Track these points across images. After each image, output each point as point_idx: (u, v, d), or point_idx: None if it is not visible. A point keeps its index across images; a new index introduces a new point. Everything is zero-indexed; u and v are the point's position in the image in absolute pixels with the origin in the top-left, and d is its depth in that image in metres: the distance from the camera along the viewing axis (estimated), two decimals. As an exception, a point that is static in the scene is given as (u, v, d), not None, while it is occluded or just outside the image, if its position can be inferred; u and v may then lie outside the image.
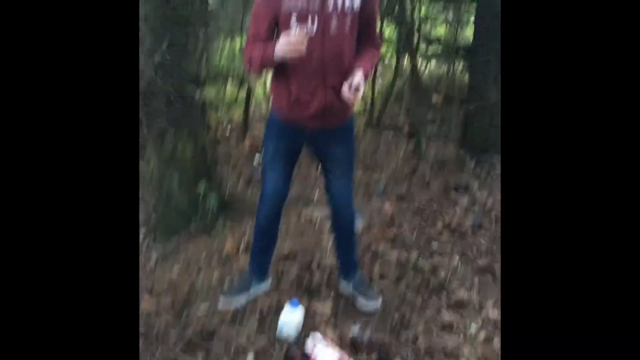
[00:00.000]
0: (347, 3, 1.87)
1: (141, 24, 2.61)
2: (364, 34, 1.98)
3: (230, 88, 5.07)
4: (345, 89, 1.86)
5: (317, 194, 3.43)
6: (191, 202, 2.96)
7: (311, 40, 1.82)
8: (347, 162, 2.16)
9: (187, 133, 2.87)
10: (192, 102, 2.82)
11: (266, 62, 1.91)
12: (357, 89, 1.85)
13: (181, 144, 2.87)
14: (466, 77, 4.50)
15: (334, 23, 1.87)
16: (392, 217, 3.14)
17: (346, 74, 1.93)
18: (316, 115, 1.99)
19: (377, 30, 2.03)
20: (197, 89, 2.83)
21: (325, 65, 1.91)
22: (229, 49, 5.04)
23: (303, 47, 1.79)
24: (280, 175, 2.17)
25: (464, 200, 3.35)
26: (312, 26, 1.85)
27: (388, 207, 3.26)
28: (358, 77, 1.87)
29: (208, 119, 3.11)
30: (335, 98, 1.96)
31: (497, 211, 3.20)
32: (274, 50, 1.84)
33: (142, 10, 2.59)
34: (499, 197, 3.39)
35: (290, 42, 1.79)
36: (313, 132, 2.06)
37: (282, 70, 1.97)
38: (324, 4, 1.85)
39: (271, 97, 2.15)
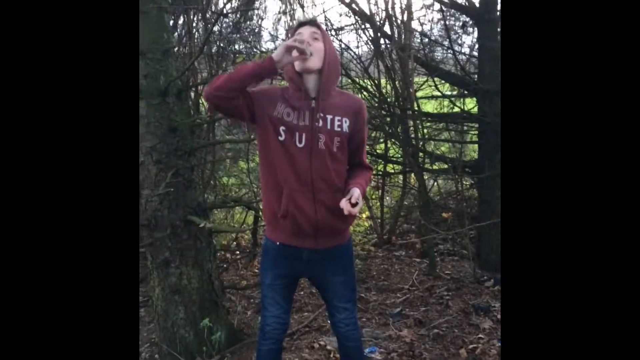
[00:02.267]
0: (337, 124, 1.90)
1: (146, 156, 2.63)
2: (355, 157, 2.00)
3: (237, 213, 5.06)
4: (343, 202, 1.80)
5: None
6: (197, 336, 2.79)
7: (299, 153, 1.85)
8: (348, 292, 2.07)
9: (193, 262, 2.78)
10: (197, 231, 2.76)
11: (257, 73, 1.81)
12: (356, 203, 1.79)
13: (186, 274, 2.77)
14: (475, 193, 4.48)
15: (322, 140, 1.88)
16: (412, 345, 2.92)
17: (337, 191, 1.91)
18: (307, 232, 1.92)
19: (365, 154, 2.07)
20: (203, 217, 2.78)
21: (314, 180, 1.88)
22: (238, 172, 5.10)
23: (308, 49, 1.83)
24: (281, 307, 2.06)
25: (486, 323, 3.14)
26: (300, 142, 1.87)
27: (406, 333, 3.06)
28: (357, 192, 1.83)
29: (214, 247, 3.03)
30: (326, 214, 1.91)
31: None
32: (268, 60, 1.79)
33: (148, 143, 2.62)
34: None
35: (293, 41, 1.82)
36: (310, 258, 1.97)
37: (271, 184, 1.93)
38: (313, 121, 1.87)
39: (266, 225, 2.08)
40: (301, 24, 1.93)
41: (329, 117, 1.89)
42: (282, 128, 1.86)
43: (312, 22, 1.93)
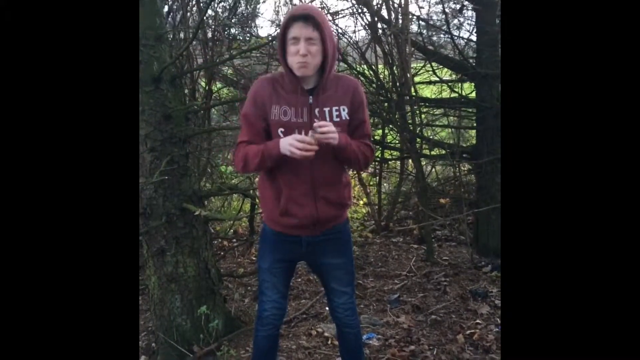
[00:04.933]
0: (335, 114, 1.86)
1: (141, 144, 2.60)
2: (356, 135, 1.93)
3: (235, 200, 5.03)
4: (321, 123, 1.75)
5: (328, 308, 3.24)
6: (194, 324, 2.78)
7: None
8: (347, 275, 2.07)
9: (189, 251, 2.76)
10: (193, 219, 2.74)
11: (266, 160, 1.83)
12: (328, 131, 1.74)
13: (183, 262, 2.76)
14: (473, 178, 4.46)
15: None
16: (409, 331, 2.92)
17: (338, 186, 1.93)
18: (307, 225, 1.93)
19: (369, 132, 1.99)
20: (199, 205, 2.76)
21: (314, 177, 1.87)
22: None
23: (314, 150, 1.74)
24: (279, 293, 2.06)
25: (484, 309, 3.14)
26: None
27: (404, 319, 3.05)
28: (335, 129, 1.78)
29: (211, 234, 3.01)
30: (326, 208, 1.92)
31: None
32: (275, 148, 1.79)
33: (142, 130, 2.59)
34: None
35: (299, 141, 1.72)
36: (309, 242, 1.97)
37: (271, 180, 1.92)
38: (311, 117, 1.83)
39: (263, 213, 2.07)
40: (294, 18, 1.76)
41: (327, 109, 1.85)
42: (280, 129, 1.84)
43: (307, 18, 1.75)
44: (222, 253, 4.30)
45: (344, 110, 1.87)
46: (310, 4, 1.94)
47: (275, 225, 1.98)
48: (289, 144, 1.74)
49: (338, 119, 1.86)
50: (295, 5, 3.99)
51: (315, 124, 1.74)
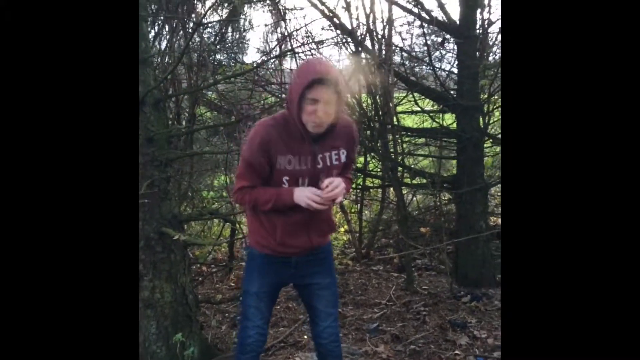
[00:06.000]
0: (334, 158, 1.91)
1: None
2: (344, 172, 2.01)
3: (215, 225, 4.99)
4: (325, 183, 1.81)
5: (307, 336, 3.20)
6: (170, 351, 2.72)
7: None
8: (332, 296, 2.09)
9: (166, 276, 2.72)
10: (172, 244, 2.70)
11: (278, 207, 1.87)
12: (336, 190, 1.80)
13: (159, 288, 2.71)
14: (453, 208, 4.49)
15: (322, 178, 1.87)
16: (388, 361, 2.90)
17: (329, 213, 2.00)
18: (300, 253, 1.98)
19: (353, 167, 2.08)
20: (178, 230, 2.73)
21: (312, 215, 1.90)
22: (218, 186, 5.05)
23: (329, 204, 1.84)
24: (263, 318, 2.06)
25: (463, 339, 3.13)
26: (304, 184, 1.87)
27: (383, 349, 3.03)
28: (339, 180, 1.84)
29: (189, 259, 2.98)
30: (319, 238, 1.99)
31: (499, 351, 2.98)
32: (289, 197, 1.83)
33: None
34: (499, 334, 3.20)
35: (318, 196, 1.79)
36: (298, 262, 2.00)
37: (264, 217, 1.95)
38: (314, 163, 1.87)
39: (251, 239, 2.07)
40: (318, 81, 1.72)
41: (328, 154, 1.90)
42: (285, 178, 1.87)
43: (332, 84, 1.74)
44: (200, 279, 4.24)
45: (343, 153, 1.93)
46: (327, 61, 1.91)
47: (264, 249, 1.99)
48: (307, 197, 1.80)
49: (337, 162, 1.92)
50: (302, 55, 4.05)
51: (324, 184, 1.80)
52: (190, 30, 3.75)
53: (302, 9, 5.49)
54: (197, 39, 4.05)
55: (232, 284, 4.22)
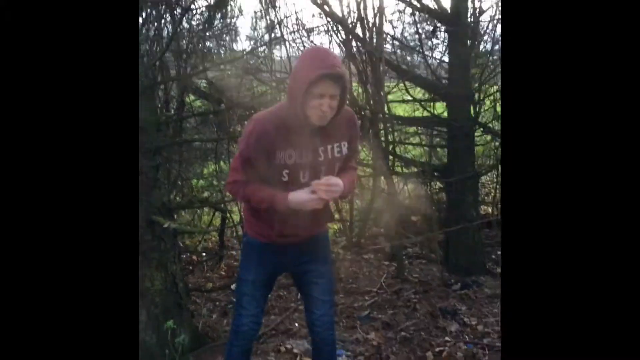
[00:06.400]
0: (336, 151, 1.88)
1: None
2: (347, 164, 1.99)
3: (205, 214, 4.96)
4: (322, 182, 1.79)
5: (298, 324, 3.20)
6: (160, 339, 2.71)
7: (301, 186, 1.82)
8: (328, 283, 2.09)
9: (156, 264, 2.70)
10: (162, 232, 2.69)
11: (272, 208, 1.85)
12: (332, 189, 1.79)
13: (149, 276, 2.69)
14: (444, 196, 4.50)
15: (323, 171, 1.86)
16: (379, 348, 2.90)
17: (328, 211, 2.06)
18: (298, 242, 1.98)
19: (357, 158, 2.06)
20: (168, 218, 2.71)
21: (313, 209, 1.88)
22: (207, 174, 5.02)
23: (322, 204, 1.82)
24: (259, 307, 2.06)
25: (453, 326, 3.15)
26: (304, 178, 1.84)
27: (373, 336, 3.04)
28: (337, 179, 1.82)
29: (180, 248, 2.96)
30: (319, 227, 2.03)
31: (489, 338, 3.00)
32: (283, 203, 1.80)
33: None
34: (490, 320, 3.22)
35: (311, 199, 1.78)
36: (296, 248, 2.00)
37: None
38: (315, 156, 1.84)
39: (248, 227, 2.06)
40: (326, 76, 1.68)
41: (329, 146, 1.86)
42: (285, 172, 1.83)
43: (340, 79, 1.71)
44: (190, 268, 4.22)
45: (344, 145, 1.90)
46: (335, 55, 1.86)
47: (261, 237, 1.99)
48: (305, 202, 1.78)
49: (339, 154, 1.89)
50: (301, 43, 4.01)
51: (321, 182, 1.77)
52: (177, 16, 3.70)
53: (294, 4, 5.44)
54: (186, 26, 4.01)
55: (223, 273, 4.21)
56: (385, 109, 4.28)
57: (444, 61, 4.54)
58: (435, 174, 4.40)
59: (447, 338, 3.01)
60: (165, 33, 3.92)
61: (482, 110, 4.53)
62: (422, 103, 4.65)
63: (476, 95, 4.25)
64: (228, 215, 4.26)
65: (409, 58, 4.85)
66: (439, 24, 4.42)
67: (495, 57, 4.43)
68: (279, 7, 4.36)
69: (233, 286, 3.77)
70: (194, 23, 4.19)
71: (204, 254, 4.61)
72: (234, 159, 1.92)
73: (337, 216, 5.14)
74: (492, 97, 4.64)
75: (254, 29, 4.97)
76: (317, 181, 1.78)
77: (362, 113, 4.20)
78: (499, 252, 4.30)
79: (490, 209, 5.12)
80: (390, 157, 4.41)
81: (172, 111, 4.02)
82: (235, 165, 1.91)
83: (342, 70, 1.74)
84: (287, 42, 4.24)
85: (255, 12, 4.58)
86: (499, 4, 4.24)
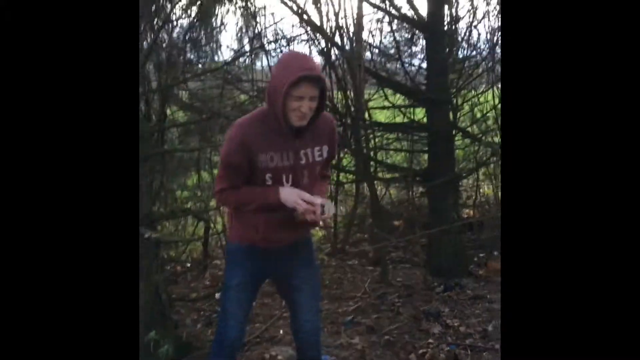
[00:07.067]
0: (317, 154, 1.90)
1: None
2: (323, 168, 2.02)
3: (189, 225, 4.96)
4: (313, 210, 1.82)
5: (282, 331, 3.22)
6: (143, 350, 2.71)
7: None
8: (314, 288, 2.09)
9: (139, 274, 2.71)
10: (144, 242, 2.69)
11: (263, 206, 1.87)
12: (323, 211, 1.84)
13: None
14: (425, 201, 4.56)
15: (305, 174, 1.89)
16: (363, 352, 2.93)
17: None
18: (282, 246, 1.98)
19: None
20: (151, 228, 2.72)
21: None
22: (191, 184, 5.02)
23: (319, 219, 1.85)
24: (244, 313, 2.05)
25: (436, 328, 3.18)
26: (288, 182, 1.86)
27: (357, 341, 3.07)
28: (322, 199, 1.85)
29: (163, 259, 2.97)
30: (303, 230, 2.01)
31: (471, 339, 3.04)
32: (274, 197, 1.82)
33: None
34: (472, 321, 3.27)
35: (303, 202, 1.80)
36: (279, 252, 1.99)
37: (248, 213, 1.93)
38: (297, 159, 1.86)
39: (231, 231, 2.09)
40: (305, 78, 1.71)
41: (309, 150, 1.89)
42: (267, 175, 1.85)
43: (318, 80, 1.75)
44: (174, 278, 4.22)
45: (325, 149, 1.92)
46: (312, 58, 1.90)
47: (245, 240, 1.99)
48: (295, 201, 1.80)
49: (320, 158, 1.91)
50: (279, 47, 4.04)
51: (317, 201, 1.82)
52: (156, 28, 3.72)
53: (272, 14, 5.49)
54: (166, 38, 4.03)
55: (208, 282, 4.21)
56: (366, 115, 4.34)
57: (422, 68, 4.62)
58: (417, 178, 4.46)
59: (430, 340, 3.04)
60: (144, 45, 3.94)
61: (461, 114, 4.61)
62: (402, 109, 4.71)
63: (454, 100, 4.33)
64: (211, 224, 4.27)
65: (388, 65, 4.91)
66: (416, 32, 4.50)
67: (471, 63, 4.52)
68: (259, 19, 4.40)
69: (217, 295, 3.78)
70: (174, 35, 4.22)
71: (188, 264, 4.61)
72: (219, 168, 1.94)
73: (320, 223, 5.17)
74: (470, 102, 4.72)
75: (235, 39, 5.01)
76: (307, 205, 1.82)
77: (343, 120, 4.25)
78: (481, 255, 4.36)
79: (471, 212, 5.19)
80: (372, 162, 4.46)
81: (154, 122, 4.03)
82: (220, 174, 1.92)
83: (319, 72, 1.79)
84: (268, 52, 4.29)
85: (236, 24, 4.61)
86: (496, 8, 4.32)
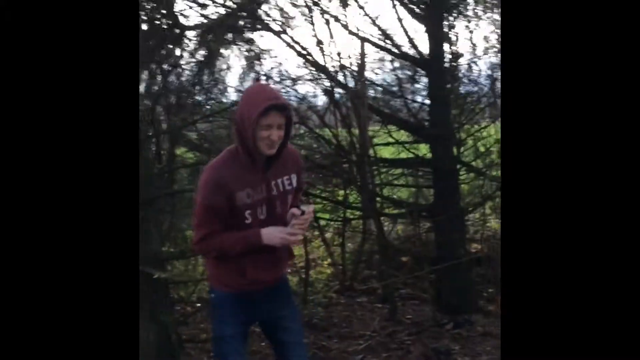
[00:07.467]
0: (287, 184, 1.96)
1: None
2: (294, 200, 2.06)
3: (199, 264, 4.97)
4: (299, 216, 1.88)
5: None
6: (153, 393, 2.71)
7: (262, 224, 1.89)
8: (297, 324, 2.11)
9: (149, 315, 2.73)
10: (154, 283, 2.72)
11: (246, 250, 1.89)
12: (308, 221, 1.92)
13: (142, 327, 2.71)
14: (432, 236, 4.56)
15: (278, 204, 1.94)
16: (374, 392, 2.90)
17: (290, 249, 2.08)
18: (268, 287, 2.00)
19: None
20: (160, 269, 2.75)
21: (277, 247, 1.93)
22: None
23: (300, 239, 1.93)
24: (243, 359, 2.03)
25: (447, 366, 3.15)
26: (262, 214, 1.91)
27: (368, 381, 3.04)
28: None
29: (172, 299, 2.98)
30: (283, 268, 2.07)
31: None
32: (256, 239, 1.86)
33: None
34: (483, 358, 3.23)
35: (289, 235, 1.86)
36: (263, 296, 1.99)
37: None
38: (269, 190, 1.91)
39: (214, 279, 2.05)
40: (273, 107, 1.79)
41: (279, 180, 1.94)
42: (247, 212, 1.89)
43: (284, 108, 1.84)
44: (183, 319, 4.20)
45: (293, 178, 1.98)
46: (276, 89, 2.01)
47: (230, 289, 1.98)
48: (280, 237, 1.86)
49: (290, 187, 1.97)
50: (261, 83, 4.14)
51: (299, 220, 1.88)
52: (166, 71, 3.84)
53: (276, 56, 5.62)
54: (175, 81, 4.14)
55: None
56: (371, 152, 4.40)
57: (425, 104, 4.69)
58: (423, 213, 4.47)
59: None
60: (155, 89, 4.05)
61: (464, 149, 4.65)
62: (406, 145, 4.77)
63: (458, 135, 4.38)
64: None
65: (391, 102, 5.00)
66: (418, 69, 4.60)
67: (473, 98, 4.59)
68: (265, 59, 4.51)
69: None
70: (183, 79, 4.34)
71: (198, 304, 4.60)
72: (196, 216, 1.91)
73: (329, 260, 5.17)
74: (473, 137, 4.78)
75: (242, 81, 5.13)
76: (296, 219, 1.87)
77: (348, 157, 4.31)
78: (490, 290, 4.33)
79: (479, 246, 5.17)
80: (378, 199, 4.49)
81: (164, 163, 4.11)
82: (198, 221, 1.90)
83: (284, 100, 1.88)
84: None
85: (242, 67, 4.72)
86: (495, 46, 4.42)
